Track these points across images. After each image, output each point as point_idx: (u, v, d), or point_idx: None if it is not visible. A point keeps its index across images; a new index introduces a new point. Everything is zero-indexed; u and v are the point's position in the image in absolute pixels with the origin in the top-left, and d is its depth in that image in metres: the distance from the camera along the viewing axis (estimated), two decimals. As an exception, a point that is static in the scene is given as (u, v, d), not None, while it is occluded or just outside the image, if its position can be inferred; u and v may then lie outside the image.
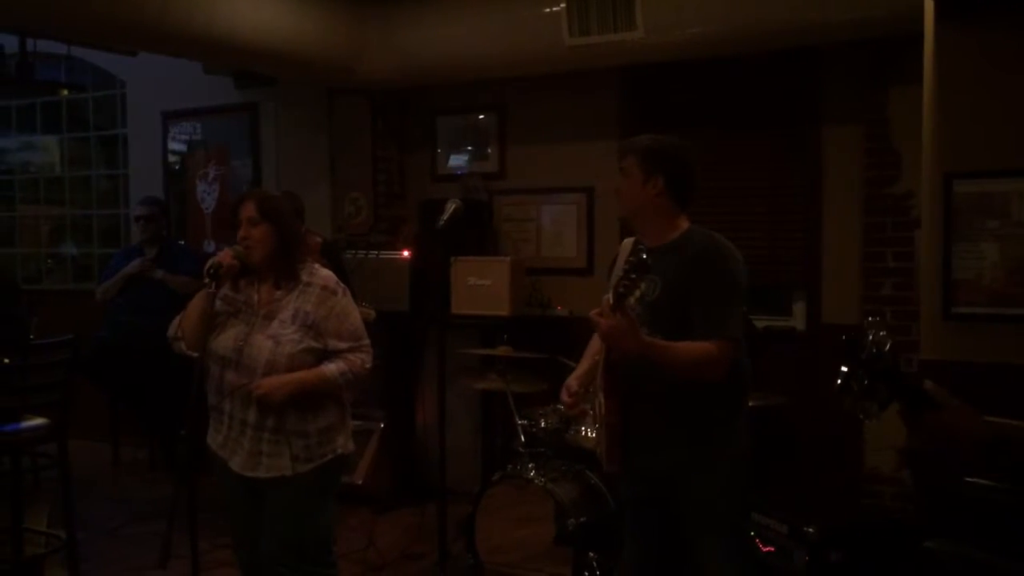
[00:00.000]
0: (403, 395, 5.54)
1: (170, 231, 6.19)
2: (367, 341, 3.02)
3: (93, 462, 5.89)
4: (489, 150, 5.62)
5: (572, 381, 2.88)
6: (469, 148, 5.69)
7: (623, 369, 2.61)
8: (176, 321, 2.99)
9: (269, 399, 2.85)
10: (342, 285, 3.02)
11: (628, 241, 2.89)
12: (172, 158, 6.56)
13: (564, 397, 2.85)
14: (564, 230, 5.39)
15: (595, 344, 2.98)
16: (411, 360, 5.53)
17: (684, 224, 2.71)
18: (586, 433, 4.02)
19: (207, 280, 2.88)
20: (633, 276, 2.39)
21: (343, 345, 2.94)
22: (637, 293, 2.42)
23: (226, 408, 2.94)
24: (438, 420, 3.72)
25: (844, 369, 2.06)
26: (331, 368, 2.91)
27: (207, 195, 6.40)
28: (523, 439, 4.17)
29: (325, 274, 3.02)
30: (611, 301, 2.44)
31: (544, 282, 5.35)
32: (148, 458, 5.95)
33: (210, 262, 2.91)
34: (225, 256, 2.92)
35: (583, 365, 2.95)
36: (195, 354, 2.91)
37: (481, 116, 5.63)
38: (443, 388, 3.69)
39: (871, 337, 2.19)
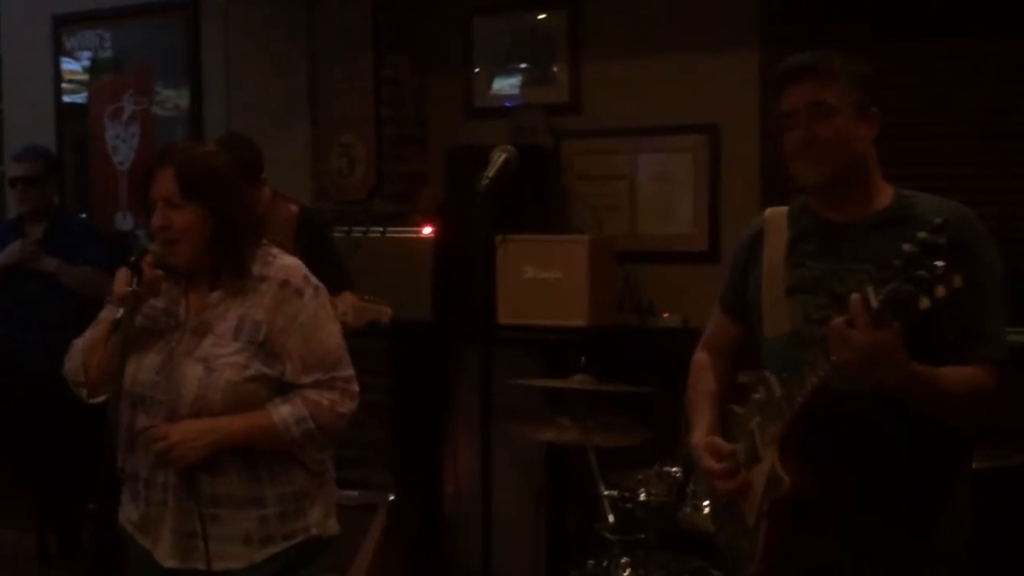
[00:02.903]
0: (423, 450, 5.59)
1: (64, 199, 6.29)
2: (345, 372, 3.05)
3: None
4: (555, 68, 5.63)
5: (712, 438, 2.91)
6: (524, 66, 5.71)
7: (819, 411, 2.64)
8: (75, 356, 3.03)
9: (175, 458, 2.88)
10: (313, 282, 3.05)
11: (774, 213, 2.91)
12: (68, 86, 6.69)
13: (712, 463, 2.87)
14: (673, 192, 5.38)
15: (709, 380, 3.06)
16: (435, 396, 5.57)
17: (887, 187, 2.73)
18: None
19: (120, 312, 2.87)
20: (938, 265, 2.25)
21: (306, 377, 2.97)
22: (941, 291, 2.28)
23: (140, 471, 2.99)
24: (479, 488, 3.73)
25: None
26: (281, 412, 2.94)
27: (121, 142, 6.51)
28: (611, 519, 4.21)
29: (287, 264, 3.05)
30: (875, 304, 2.43)
31: (643, 273, 5.36)
32: (37, 546, 6.04)
33: (124, 283, 2.90)
34: (145, 269, 2.90)
35: (705, 410, 3.01)
36: (99, 400, 2.96)
37: (542, 16, 5.66)
38: (487, 439, 3.69)
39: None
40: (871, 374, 2.49)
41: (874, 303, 2.38)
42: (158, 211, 2.95)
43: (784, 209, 2.93)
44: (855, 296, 2.42)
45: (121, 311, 2.88)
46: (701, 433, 2.96)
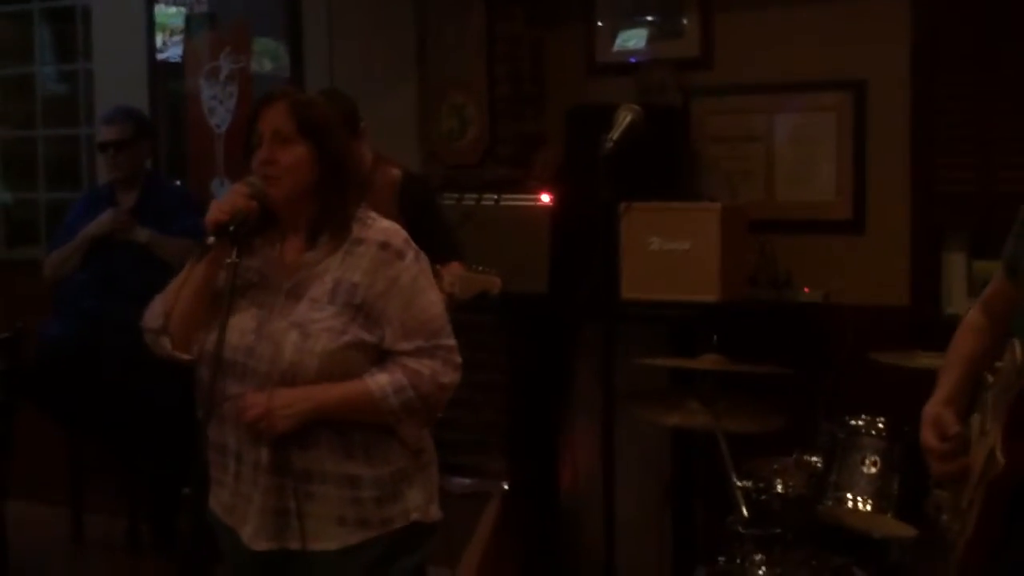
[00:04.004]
0: (540, 435, 5.62)
1: (158, 165, 6.38)
2: (448, 341, 3.07)
3: (44, 537, 6.14)
4: (684, 20, 5.59)
5: (943, 410, 2.82)
6: (650, 18, 5.68)
7: None
8: (158, 304, 3.09)
9: (266, 427, 2.91)
10: (414, 246, 3.08)
11: None
12: (162, 44, 6.77)
13: (933, 442, 2.79)
14: (814, 156, 5.34)
15: (971, 342, 2.96)
16: (553, 376, 5.58)
17: None
18: (857, 505, 4.01)
19: (211, 239, 2.93)
20: None
21: (406, 344, 2.99)
22: None
23: (230, 443, 3.03)
24: (600, 477, 3.73)
25: None
26: (379, 380, 2.97)
27: (218, 104, 6.58)
28: (745, 512, 4.19)
29: (386, 226, 3.09)
30: None
31: (780, 245, 5.32)
32: (128, 531, 6.17)
33: (219, 205, 2.95)
34: (237, 197, 2.96)
35: (950, 376, 2.92)
36: (186, 357, 3.01)
37: (670, -37, 5.63)
38: (609, 423, 3.69)
39: None
40: None
41: None
42: (265, 144, 2.98)
43: None
44: None
45: (212, 239, 2.92)
46: (936, 400, 2.87)
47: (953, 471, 2.77)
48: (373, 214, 3.11)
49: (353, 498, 2.99)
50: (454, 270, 4.29)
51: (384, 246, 3.02)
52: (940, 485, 2.95)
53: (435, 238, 4.19)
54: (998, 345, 2.96)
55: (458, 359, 3.07)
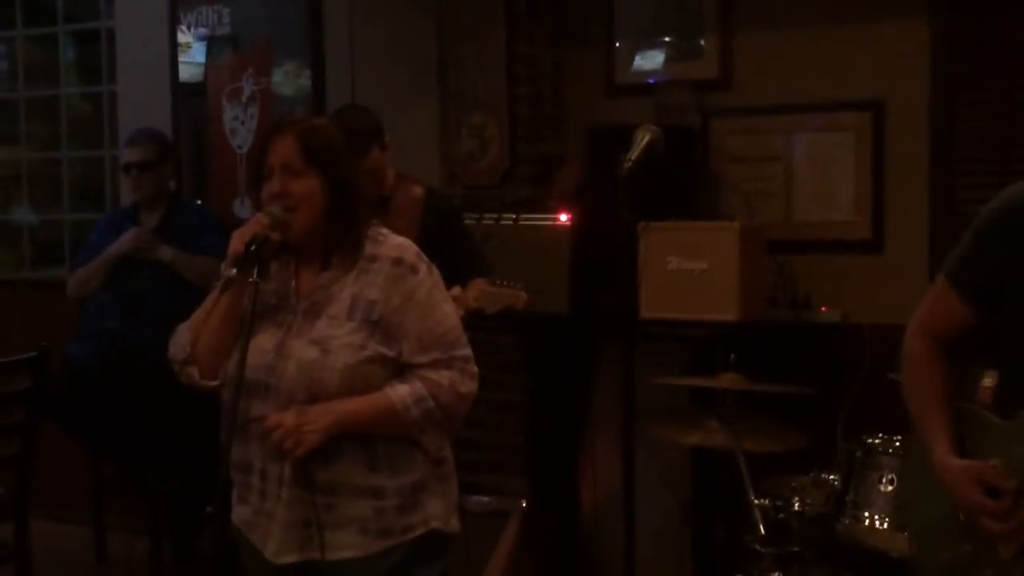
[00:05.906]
0: (560, 453, 5.63)
1: (181, 185, 6.42)
2: (463, 351, 3.12)
3: (67, 555, 6.18)
4: (703, 41, 5.61)
5: (984, 468, 2.63)
6: (669, 39, 5.69)
7: None
8: (184, 334, 3.11)
9: (292, 446, 2.93)
10: (426, 260, 3.13)
11: None
12: (186, 66, 6.82)
13: (982, 499, 2.62)
14: (833, 176, 5.34)
15: (938, 377, 2.84)
16: (573, 395, 5.60)
17: None
18: (874, 523, 4.02)
19: (235, 267, 2.97)
20: None
21: (423, 357, 3.04)
22: None
23: (254, 462, 3.07)
24: (620, 495, 3.75)
25: None
26: (400, 392, 3.01)
27: (240, 125, 6.62)
28: (763, 530, 4.20)
29: (399, 242, 3.13)
30: None
31: (798, 264, 5.33)
32: (150, 551, 6.17)
33: (241, 236, 2.99)
34: (258, 227, 3.00)
35: (942, 419, 2.79)
36: (213, 385, 3.05)
37: (690, -16, 5.66)
38: (629, 442, 3.72)
39: None
40: None
41: None
42: (275, 177, 3.04)
43: None
44: None
45: (234, 271, 2.96)
46: (944, 451, 2.73)
47: (1014, 529, 2.61)
48: (385, 231, 3.16)
49: (376, 508, 3.03)
50: (477, 286, 4.31)
51: (397, 262, 3.07)
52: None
53: (461, 254, 4.22)
54: (951, 375, 2.84)
55: (475, 368, 3.12)
